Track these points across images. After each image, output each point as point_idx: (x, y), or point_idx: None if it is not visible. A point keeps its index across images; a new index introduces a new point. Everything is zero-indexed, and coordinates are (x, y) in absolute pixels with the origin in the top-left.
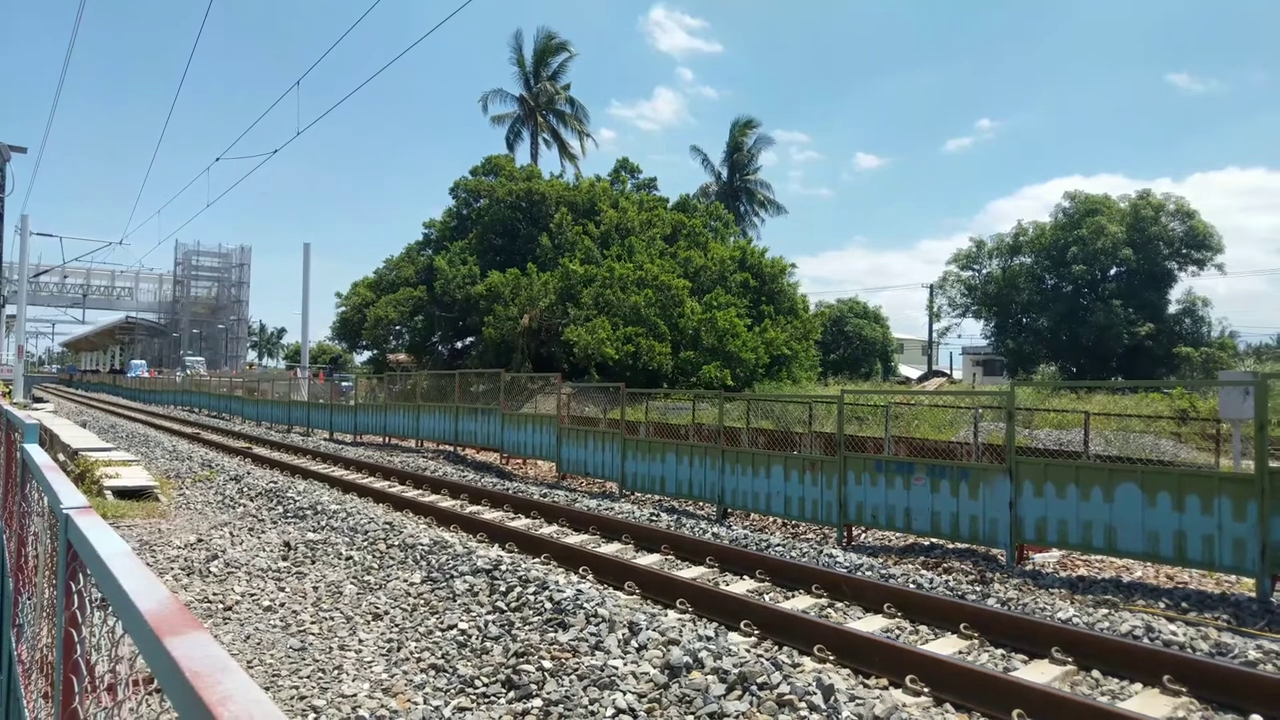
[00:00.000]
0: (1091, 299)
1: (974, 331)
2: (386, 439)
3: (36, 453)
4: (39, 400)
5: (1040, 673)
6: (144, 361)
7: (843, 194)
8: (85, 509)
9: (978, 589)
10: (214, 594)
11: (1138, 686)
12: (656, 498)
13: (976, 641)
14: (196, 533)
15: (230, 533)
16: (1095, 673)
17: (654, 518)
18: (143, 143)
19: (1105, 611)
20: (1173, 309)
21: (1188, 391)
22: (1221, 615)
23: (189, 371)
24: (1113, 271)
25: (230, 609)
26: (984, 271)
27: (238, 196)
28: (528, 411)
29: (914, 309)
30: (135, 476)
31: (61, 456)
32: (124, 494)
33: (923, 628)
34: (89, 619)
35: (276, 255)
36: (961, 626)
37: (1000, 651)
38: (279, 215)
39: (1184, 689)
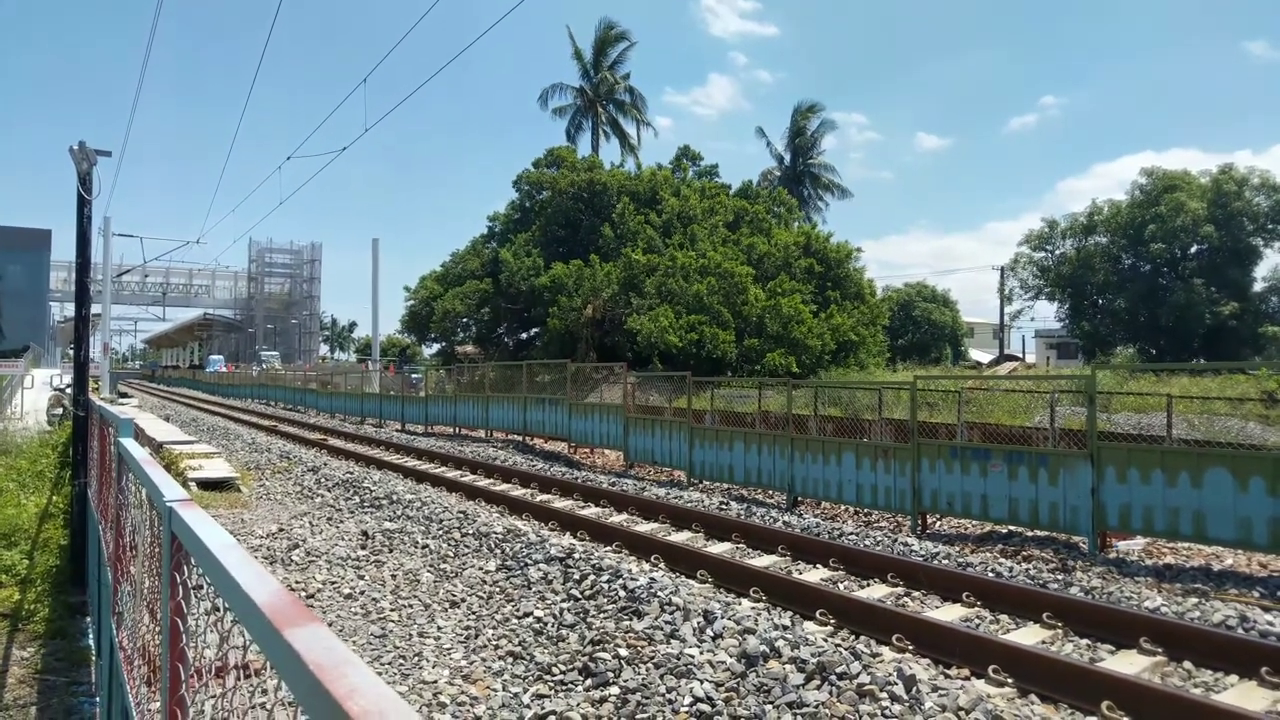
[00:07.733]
0: (1171, 278)
1: (1047, 314)
2: (457, 429)
3: (133, 447)
4: (124, 396)
5: (1129, 663)
6: (222, 356)
7: (904, 176)
8: (187, 501)
9: (1059, 577)
10: (296, 582)
11: (1233, 678)
12: (725, 486)
13: (1060, 631)
14: (277, 522)
15: (310, 522)
16: (1187, 664)
17: (723, 506)
18: (217, 144)
19: (1195, 600)
20: (1258, 287)
21: (1274, 373)
22: None
23: (265, 366)
24: (1193, 249)
25: (312, 597)
26: (1057, 252)
27: (308, 194)
28: (593, 401)
29: (984, 292)
30: (217, 468)
31: (147, 450)
32: (207, 485)
33: (1003, 617)
34: (194, 609)
35: (346, 250)
36: (1044, 616)
37: (1085, 641)
38: (348, 211)
39: None
